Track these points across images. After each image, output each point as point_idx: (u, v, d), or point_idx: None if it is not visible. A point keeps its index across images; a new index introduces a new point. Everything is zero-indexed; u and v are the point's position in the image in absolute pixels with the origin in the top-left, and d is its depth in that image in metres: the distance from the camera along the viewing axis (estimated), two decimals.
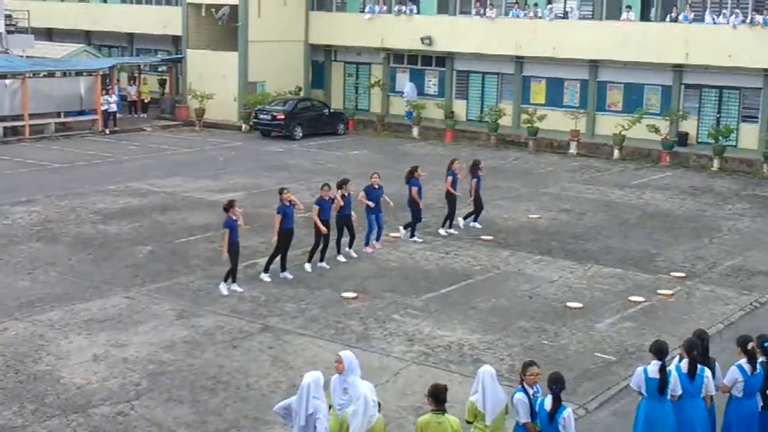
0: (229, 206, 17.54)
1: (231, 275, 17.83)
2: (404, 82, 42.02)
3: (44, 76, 38.76)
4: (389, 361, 14.58)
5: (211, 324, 16.08)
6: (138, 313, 16.59)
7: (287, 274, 18.69)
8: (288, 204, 18.48)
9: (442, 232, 22.43)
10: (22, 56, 40.33)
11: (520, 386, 10.10)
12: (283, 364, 14.38)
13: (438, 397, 9.49)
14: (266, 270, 18.68)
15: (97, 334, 15.46)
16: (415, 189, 21.47)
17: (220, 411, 12.70)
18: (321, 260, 19.46)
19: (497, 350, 15.17)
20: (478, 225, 23.18)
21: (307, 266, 19.28)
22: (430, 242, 21.78)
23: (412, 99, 40.76)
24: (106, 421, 12.28)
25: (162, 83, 45.84)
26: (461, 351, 15.11)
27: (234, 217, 17.45)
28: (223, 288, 17.73)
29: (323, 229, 18.90)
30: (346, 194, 19.85)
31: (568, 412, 9.83)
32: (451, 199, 22.48)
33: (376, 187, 20.77)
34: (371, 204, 20.51)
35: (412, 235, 21.78)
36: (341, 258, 20.00)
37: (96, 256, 20.24)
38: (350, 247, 20.25)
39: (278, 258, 18.70)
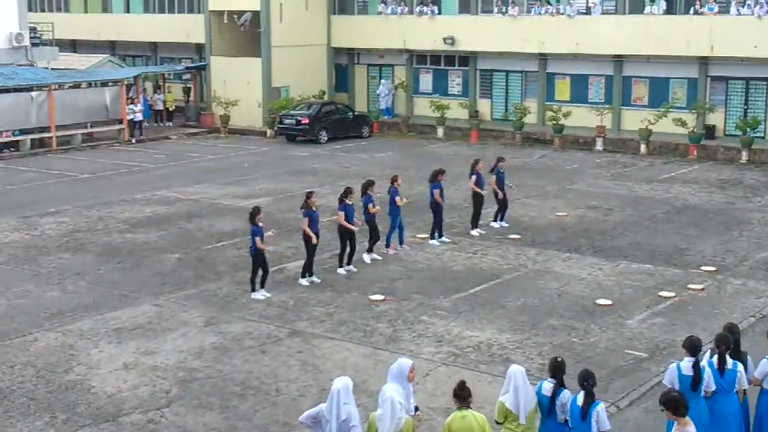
0: (254, 214, 17.55)
1: (255, 282, 17.83)
2: (429, 82, 42.16)
3: (70, 87, 39.09)
4: (418, 363, 14.45)
5: (240, 330, 16.11)
6: (167, 320, 16.65)
7: (312, 280, 18.67)
8: (315, 208, 18.51)
9: (474, 233, 22.34)
10: (47, 68, 40.66)
11: (560, 386, 10.03)
12: (312, 368, 14.37)
13: (458, 394, 9.50)
14: (305, 275, 18.75)
15: (127, 342, 15.54)
16: (437, 191, 21.41)
17: (250, 416, 12.71)
18: (349, 263, 19.45)
19: (527, 349, 15.08)
20: (504, 224, 23.10)
21: (341, 270, 19.30)
22: (458, 242, 21.71)
23: (386, 97, 41.71)
24: (136, 429, 12.33)
25: (186, 91, 46.07)
26: (490, 351, 15.04)
27: (260, 225, 17.48)
28: (257, 295, 17.75)
29: (355, 227, 19.02)
30: (372, 195, 19.86)
31: (601, 407, 9.75)
32: (477, 200, 22.43)
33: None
34: (404, 200, 20.56)
35: (440, 236, 21.72)
36: (367, 259, 20.01)
37: (124, 264, 20.35)
38: (370, 250, 20.21)
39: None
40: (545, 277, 19.07)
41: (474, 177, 22.30)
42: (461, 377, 13.36)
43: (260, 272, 17.79)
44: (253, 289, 17.84)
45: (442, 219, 21.80)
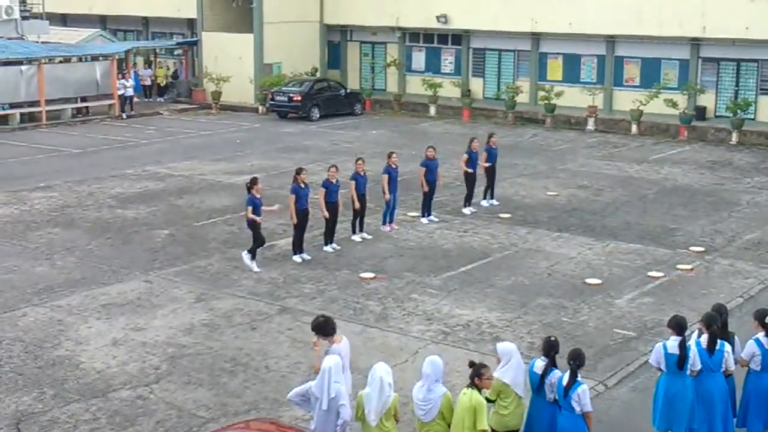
0: (252, 184, 17.86)
1: (254, 251, 18.06)
2: (421, 60, 42.09)
3: (60, 61, 38.87)
4: (408, 341, 14.58)
5: (230, 306, 16.12)
6: (157, 296, 16.64)
7: (302, 257, 18.68)
8: (303, 185, 18.48)
9: (466, 211, 22.36)
10: (37, 42, 40.40)
11: (552, 365, 10.06)
12: (302, 345, 14.36)
13: (471, 372, 9.56)
14: (296, 252, 18.75)
15: (116, 318, 15.53)
16: (422, 170, 21.37)
17: (240, 393, 12.74)
18: (331, 242, 19.38)
19: (516, 328, 15.14)
20: (495, 202, 23.12)
21: (326, 248, 19.30)
22: (449, 221, 21.73)
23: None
24: (125, 405, 12.35)
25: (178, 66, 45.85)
26: (480, 329, 15.08)
27: (257, 195, 17.73)
28: (253, 265, 17.91)
29: (325, 213, 18.92)
30: (362, 173, 19.81)
31: (582, 389, 9.77)
32: (468, 178, 22.43)
33: (394, 167, 20.68)
34: (388, 194, 20.42)
35: (429, 214, 21.70)
36: (356, 238, 19.99)
37: (114, 240, 20.31)
38: (362, 228, 20.20)
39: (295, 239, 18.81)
40: (535, 256, 19.11)
41: (465, 156, 22.32)
42: (451, 356, 13.52)
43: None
44: (253, 258, 18.02)
45: (432, 198, 21.78)
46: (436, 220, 21.70)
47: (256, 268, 17.90)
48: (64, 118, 37.43)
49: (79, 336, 14.74)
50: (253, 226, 17.91)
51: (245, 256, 18.02)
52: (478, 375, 9.47)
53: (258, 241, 18.04)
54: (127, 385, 12.94)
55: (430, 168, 21.34)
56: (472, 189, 22.56)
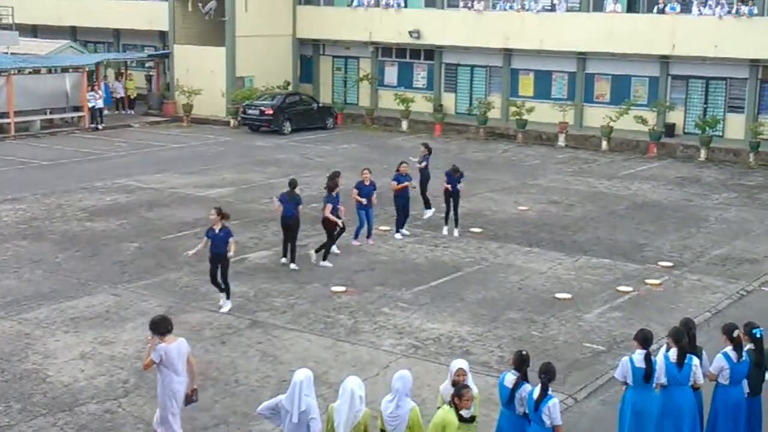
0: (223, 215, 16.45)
1: (224, 290, 16.78)
2: (394, 75, 42.16)
3: (30, 72, 38.57)
4: (379, 355, 14.56)
5: (200, 320, 16.02)
6: (125, 310, 16.51)
7: (293, 265, 18.76)
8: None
9: (444, 231, 22.02)
10: (6, 53, 40.08)
11: (523, 379, 10.08)
12: (272, 359, 14.34)
13: (453, 392, 9.55)
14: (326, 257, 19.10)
15: (85, 331, 15.39)
16: (394, 183, 21.41)
17: (209, 407, 12.64)
18: (324, 258, 19.33)
19: (487, 342, 15.17)
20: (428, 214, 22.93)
21: (323, 262, 19.20)
22: (420, 235, 21.76)
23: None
24: (93, 419, 12.23)
25: (149, 79, 45.64)
26: (451, 343, 15.10)
27: (215, 229, 16.34)
28: (225, 305, 16.69)
29: (340, 223, 19.19)
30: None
31: (553, 402, 9.80)
32: (445, 198, 22.34)
33: (367, 183, 20.67)
34: (363, 201, 20.42)
35: (398, 230, 21.68)
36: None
37: (83, 253, 20.14)
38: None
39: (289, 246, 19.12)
40: (506, 270, 19.18)
41: (446, 177, 22.26)
42: (422, 369, 13.53)
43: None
44: (220, 291, 16.80)
45: (407, 213, 21.76)
46: (408, 233, 21.72)
47: (227, 309, 16.62)
48: (33, 130, 37.09)
49: (47, 349, 14.59)
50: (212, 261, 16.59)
51: (225, 305, 16.71)
52: (458, 395, 9.44)
53: (221, 280, 16.59)
54: (94, 399, 12.81)
55: (401, 183, 21.39)
56: (449, 207, 22.39)
